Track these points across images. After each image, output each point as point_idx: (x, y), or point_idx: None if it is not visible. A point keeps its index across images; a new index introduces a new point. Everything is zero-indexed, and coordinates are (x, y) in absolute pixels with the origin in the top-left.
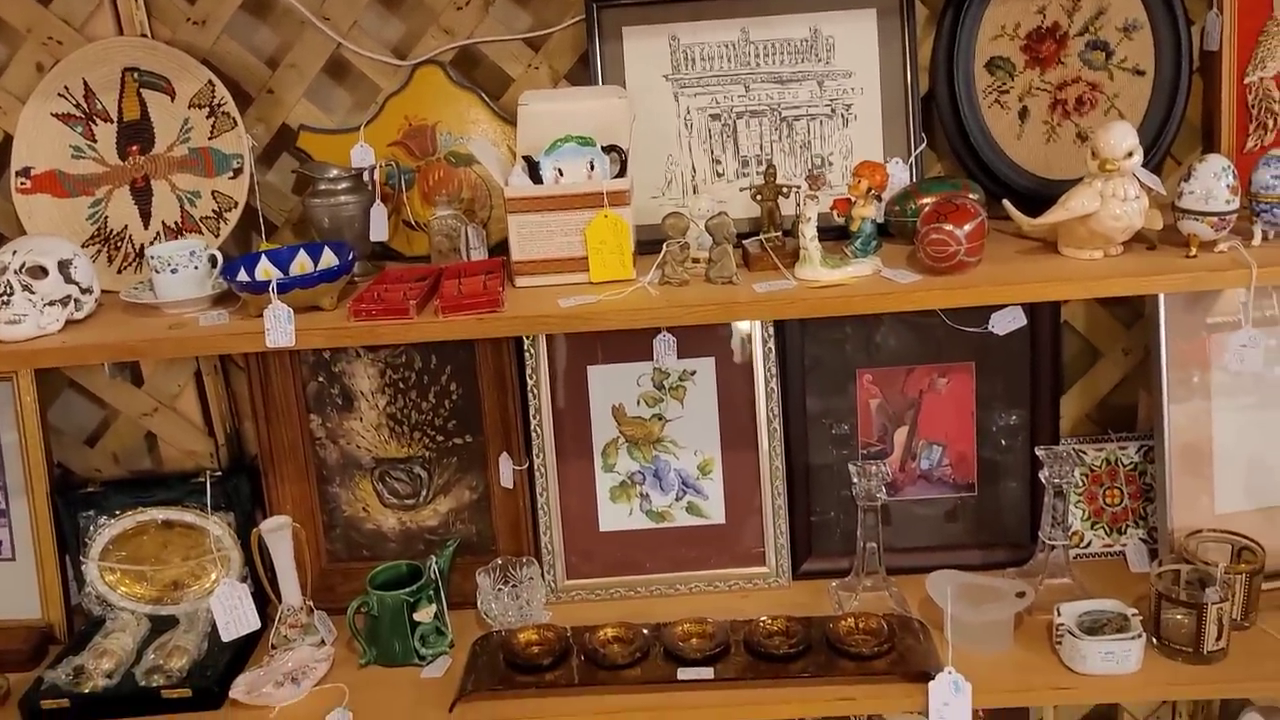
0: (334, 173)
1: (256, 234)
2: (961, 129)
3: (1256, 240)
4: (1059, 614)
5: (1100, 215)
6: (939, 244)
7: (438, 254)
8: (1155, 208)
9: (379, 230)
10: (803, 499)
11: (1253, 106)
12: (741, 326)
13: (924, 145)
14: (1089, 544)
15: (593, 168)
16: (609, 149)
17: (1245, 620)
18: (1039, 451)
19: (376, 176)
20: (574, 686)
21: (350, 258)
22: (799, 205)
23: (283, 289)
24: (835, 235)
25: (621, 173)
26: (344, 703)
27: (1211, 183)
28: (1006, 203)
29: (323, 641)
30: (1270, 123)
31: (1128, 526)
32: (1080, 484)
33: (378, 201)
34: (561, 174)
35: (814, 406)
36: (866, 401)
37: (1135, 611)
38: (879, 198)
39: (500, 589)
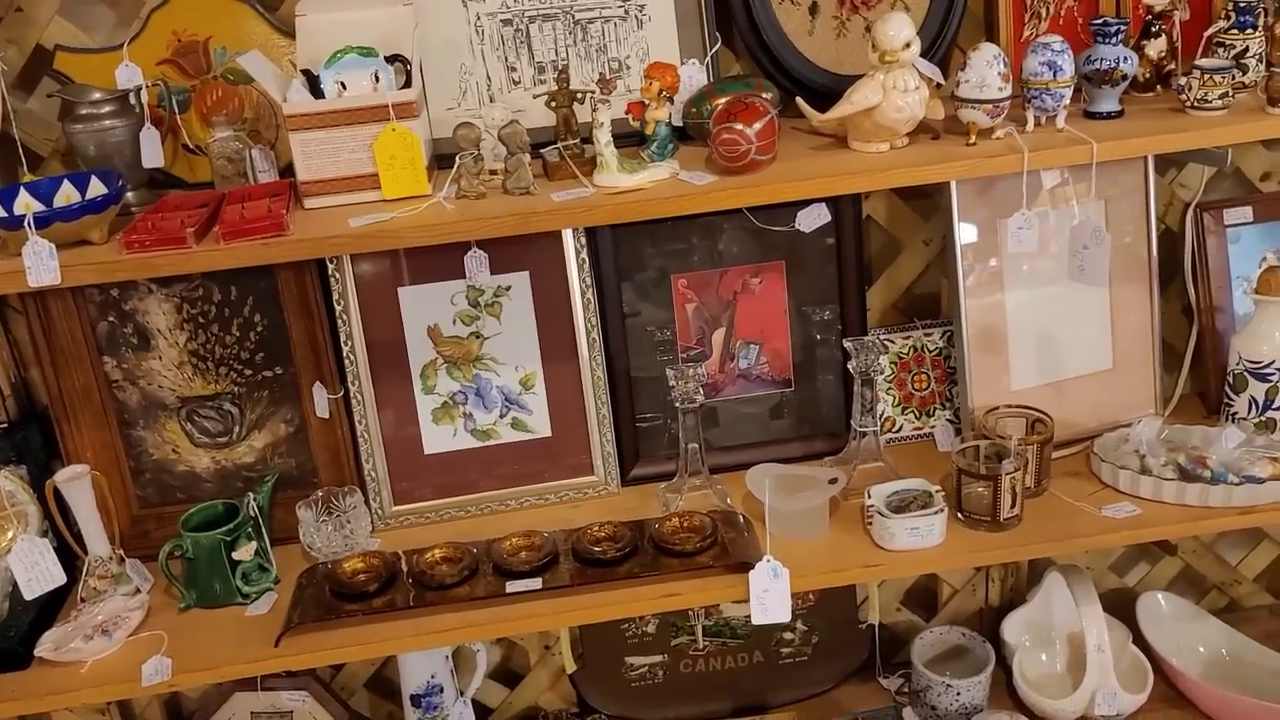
0: (96, 95)
1: (23, 167)
2: (755, 27)
3: (1030, 126)
4: (869, 496)
5: (883, 108)
6: (730, 144)
7: (221, 178)
8: (936, 98)
9: (152, 156)
10: (627, 406)
11: None
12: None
13: (719, 45)
14: (900, 428)
15: (377, 80)
16: (393, 59)
17: (1039, 487)
18: (846, 343)
19: (145, 98)
20: (402, 610)
21: (120, 186)
22: (594, 110)
23: (42, 223)
24: (636, 140)
25: (407, 84)
26: (162, 649)
27: (985, 71)
28: (800, 100)
29: (138, 590)
30: (1044, 11)
31: (936, 409)
32: (889, 372)
33: (148, 125)
34: (345, 88)
35: (632, 314)
36: (683, 305)
37: (939, 488)
38: (671, 100)
39: (324, 520)
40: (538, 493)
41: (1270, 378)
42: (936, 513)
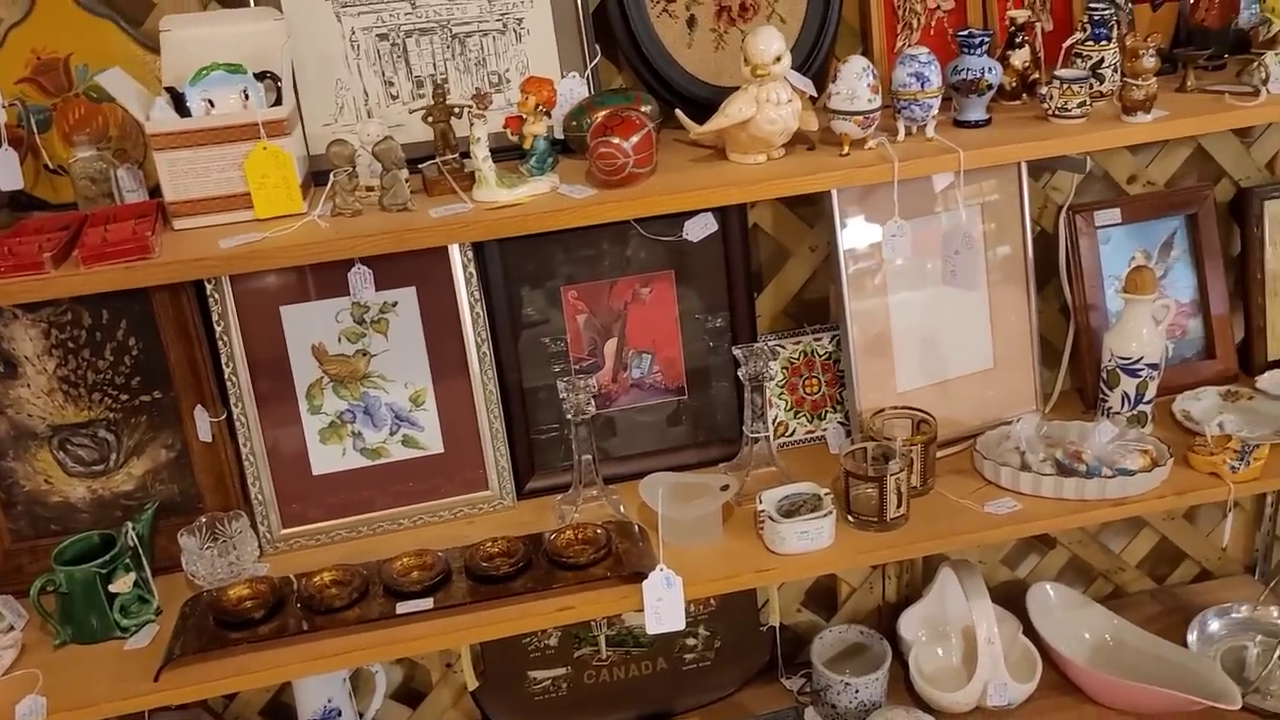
0: None
1: None
2: (634, 40)
3: (900, 136)
4: (760, 501)
5: (757, 120)
6: (607, 157)
7: (85, 199)
8: (810, 110)
9: (10, 178)
10: (522, 419)
11: (899, 9)
12: None
13: (599, 58)
14: (793, 432)
15: (247, 97)
16: (262, 76)
17: (924, 486)
18: (736, 351)
19: (2, 118)
20: (292, 636)
21: None
22: (470, 126)
23: None
24: (517, 154)
25: (279, 101)
26: (36, 688)
27: (854, 83)
28: (679, 112)
29: (10, 628)
30: (915, 23)
31: (827, 412)
32: (781, 377)
33: (5, 146)
34: (212, 105)
35: (524, 326)
36: (574, 317)
37: (828, 490)
38: (548, 114)
39: (208, 547)
40: (432, 510)
41: (1140, 373)
42: (825, 515)
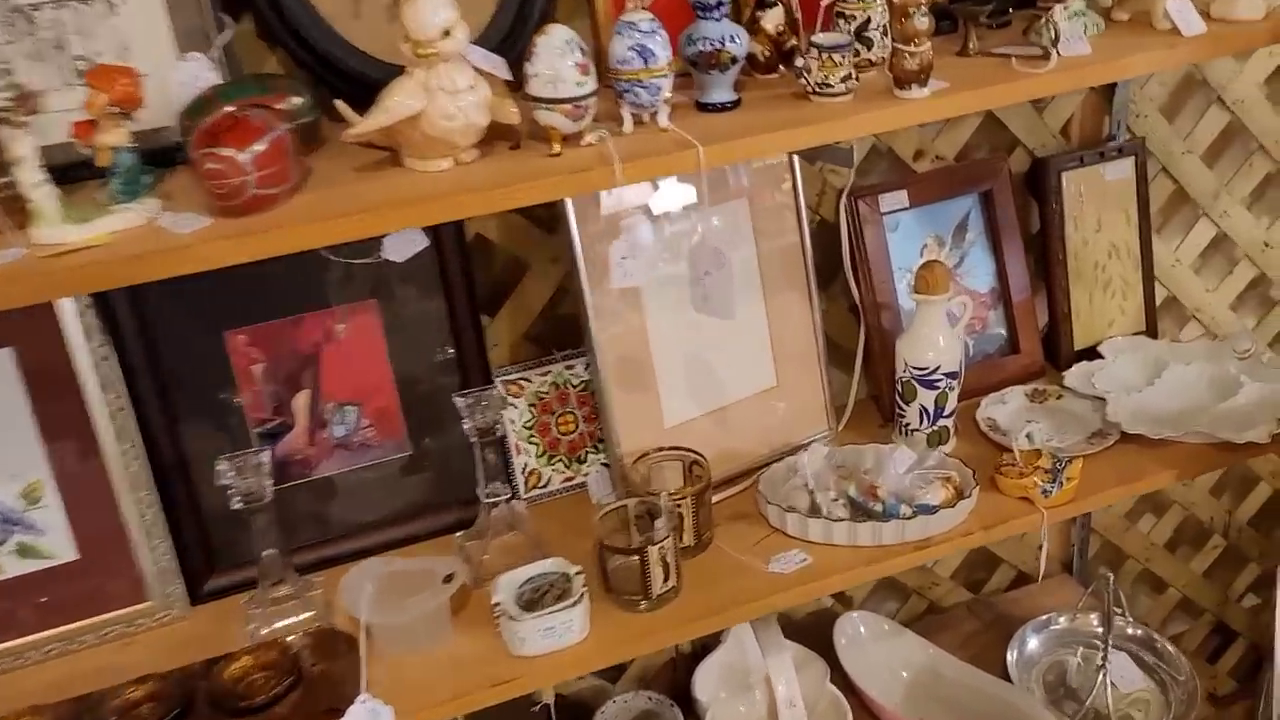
0: None
1: None
2: (277, 6)
3: (627, 127)
4: (496, 590)
5: (429, 115)
6: (216, 175)
7: None
8: (506, 97)
9: None
10: (188, 502)
11: None
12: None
13: (231, 32)
14: (548, 482)
15: None
16: None
17: (700, 542)
18: (456, 400)
19: None
20: None
21: None
22: (9, 138)
23: None
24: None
25: None
26: None
27: (556, 62)
28: (340, 103)
29: None
30: None
31: (587, 453)
32: (528, 417)
33: None
34: None
35: (179, 385)
36: (247, 368)
37: (579, 569)
38: (128, 116)
39: None
40: (69, 636)
41: (938, 384)
42: (574, 604)
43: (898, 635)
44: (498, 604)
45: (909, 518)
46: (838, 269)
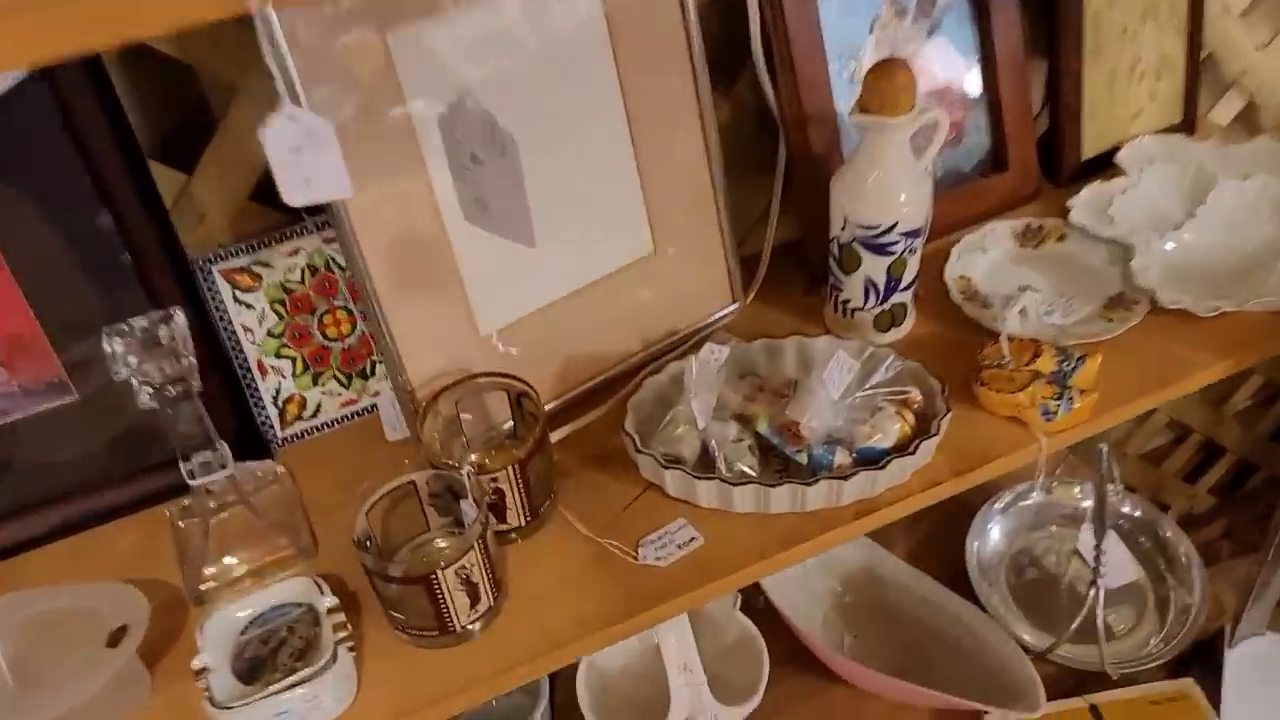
0: None
1: None
2: None
3: None
4: (202, 642)
5: None
6: None
7: None
8: None
9: None
10: None
11: None
12: None
13: None
14: (320, 411)
15: None
16: None
17: (537, 518)
18: (106, 343)
19: None
20: None
21: None
22: None
23: None
24: None
25: None
26: None
27: None
28: None
29: None
30: None
31: (375, 362)
32: (275, 319)
33: None
34: None
35: None
36: None
37: (334, 603)
38: None
39: None
40: None
41: (893, 248)
42: (322, 669)
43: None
44: (201, 673)
45: (847, 474)
46: (743, 62)
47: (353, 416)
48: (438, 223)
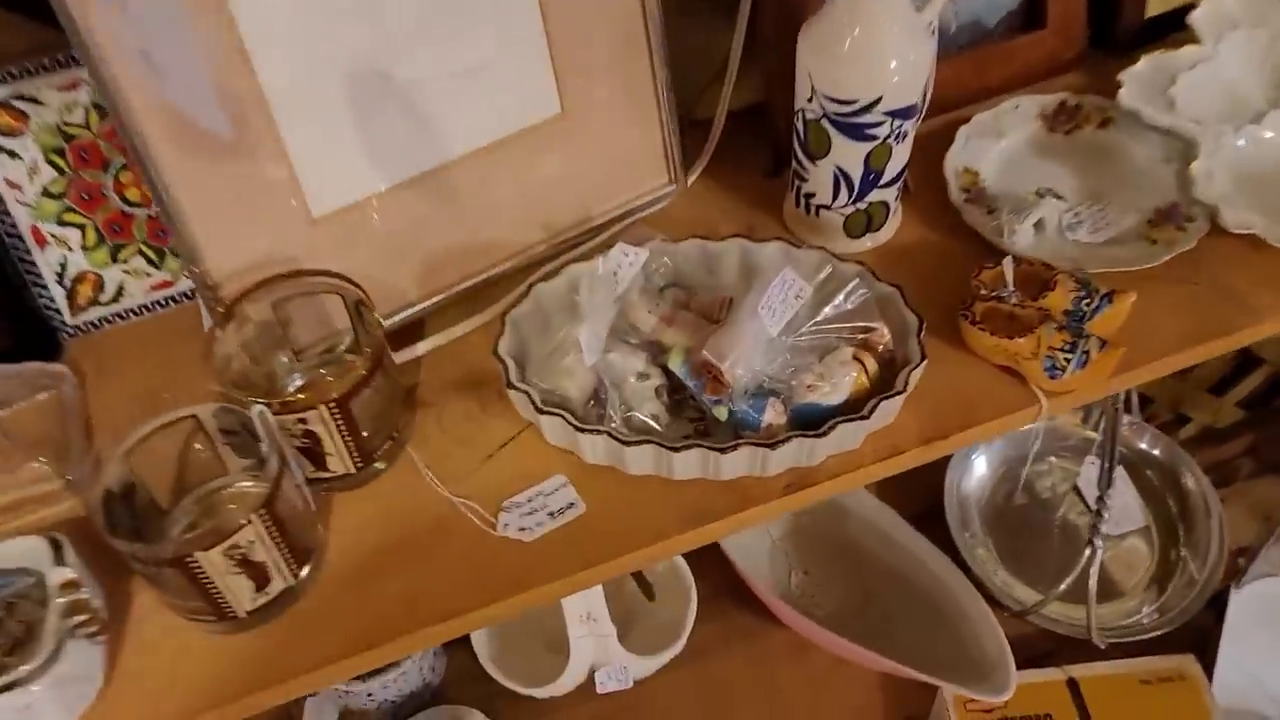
0: None
1: None
2: None
3: None
4: None
5: None
6: None
7: None
8: None
9: None
10: None
11: None
12: None
13: None
14: (122, 294)
15: None
16: None
17: (370, 462)
18: None
19: None
20: None
21: None
22: None
23: None
24: None
25: None
26: None
27: None
28: None
29: None
30: None
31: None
32: (55, 175)
33: None
34: None
35: None
36: None
37: (69, 575)
38: None
39: None
40: None
41: (874, 132)
42: (42, 668)
43: None
44: None
45: (775, 442)
46: None
47: (167, 303)
48: (244, 60)
